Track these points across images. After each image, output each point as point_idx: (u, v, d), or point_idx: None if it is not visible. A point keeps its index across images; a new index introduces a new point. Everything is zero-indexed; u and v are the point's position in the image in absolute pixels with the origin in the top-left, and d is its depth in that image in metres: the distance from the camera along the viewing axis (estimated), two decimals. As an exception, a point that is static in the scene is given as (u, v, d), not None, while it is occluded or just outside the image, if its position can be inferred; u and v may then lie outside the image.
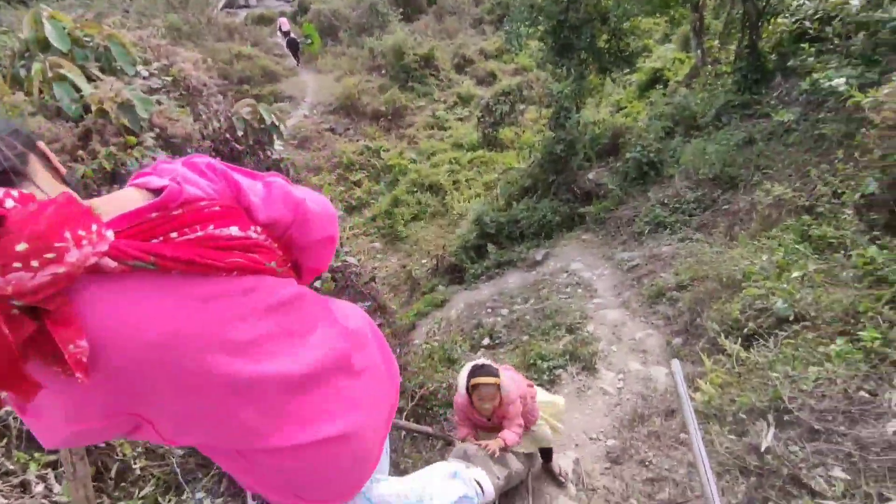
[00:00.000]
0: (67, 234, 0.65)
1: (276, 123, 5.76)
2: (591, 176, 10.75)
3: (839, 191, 4.88)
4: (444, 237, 13.33)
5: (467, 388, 2.80)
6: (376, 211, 14.90)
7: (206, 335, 0.84)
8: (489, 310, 8.34)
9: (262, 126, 5.59)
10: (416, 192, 15.06)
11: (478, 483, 1.80)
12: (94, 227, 0.70)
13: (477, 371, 2.80)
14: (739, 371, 3.76)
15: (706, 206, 7.85)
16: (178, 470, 2.41)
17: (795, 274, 3.48)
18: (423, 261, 12.63)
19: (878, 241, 3.32)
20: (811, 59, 6.77)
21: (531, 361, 5.39)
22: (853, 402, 2.50)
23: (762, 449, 2.58)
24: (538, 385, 5.31)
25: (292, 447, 0.99)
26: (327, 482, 1.11)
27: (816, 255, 3.89)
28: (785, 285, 3.34)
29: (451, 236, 13.01)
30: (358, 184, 16.38)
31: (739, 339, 4.25)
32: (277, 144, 5.99)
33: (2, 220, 0.61)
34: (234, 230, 0.88)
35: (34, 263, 0.62)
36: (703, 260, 6.12)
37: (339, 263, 3.74)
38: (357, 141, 18.11)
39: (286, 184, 1.04)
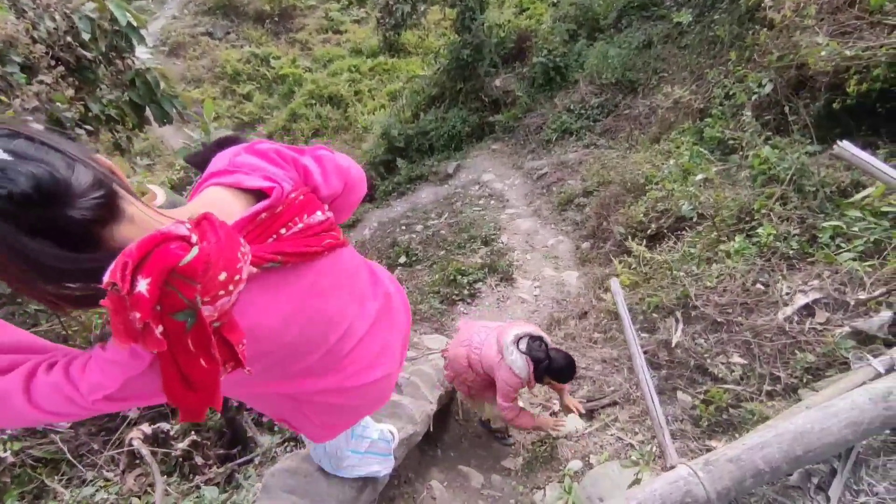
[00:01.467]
0: (239, 255, 0.76)
1: (134, 24, 4.77)
2: (497, 83, 10.45)
3: (731, 92, 5.09)
4: (350, 153, 12.59)
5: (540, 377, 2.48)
6: (272, 128, 13.64)
7: (314, 308, 0.98)
8: (403, 227, 8.18)
9: (117, 28, 4.60)
10: (315, 104, 13.90)
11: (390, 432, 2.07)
12: (244, 242, 0.80)
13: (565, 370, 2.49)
14: (646, 271, 3.99)
15: (609, 111, 8.00)
16: (64, 447, 2.09)
17: (699, 177, 3.64)
18: (330, 180, 11.98)
19: (769, 142, 3.53)
20: (708, -44, 6.76)
21: (451, 278, 5.40)
22: (750, 294, 2.73)
23: (673, 344, 2.78)
24: (459, 300, 5.40)
25: (352, 387, 1.18)
26: (363, 411, 1.40)
27: (717, 157, 4.08)
28: (691, 188, 3.48)
29: (358, 152, 12.35)
30: (248, 97, 14.76)
31: (644, 240, 4.50)
32: (141, 52, 5.01)
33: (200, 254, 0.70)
34: (318, 215, 0.97)
35: (231, 288, 0.74)
36: (608, 165, 6.31)
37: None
38: (241, 47, 16.04)
39: (332, 154, 1.11)
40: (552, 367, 2.43)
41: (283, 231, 0.89)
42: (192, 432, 2.10)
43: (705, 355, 2.65)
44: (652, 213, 4.75)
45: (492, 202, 7.74)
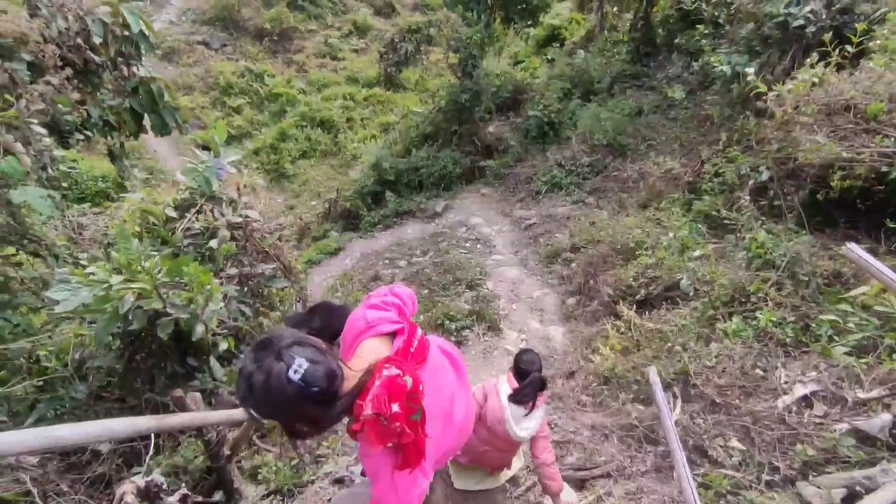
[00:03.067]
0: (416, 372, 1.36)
1: (146, 32, 4.71)
2: (491, 129, 10.71)
3: (721, 170, 5.35)
4: (336, 179, 12.57)
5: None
6: (259, 144, 13.50)
7: (437, 386, 1.50)
8: (387, 261, 8.09)
9: (127, 34, 4.52)
10: (306, 126, 13.88)
11: None
12: None
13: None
14: (636, 337, 4.04)
15: (598, 171, 8.26)
16: (34, 489, 1.90)
17: (696, 253, 3.76)
18: (313, 202, 11.85)
19: (764, 226, 3.69)
20: (703, 40, 7.21)
21: (439, 322, 5.33)
22: (749, 378, 2.78)
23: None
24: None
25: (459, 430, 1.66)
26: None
27: (711, 234, 4.24)
28: (689, 263, 3.58)
29: (344, 178, 12.30)
30: (237, 110, 14.62)
31: (634, 305, 4.57)
32: (146, 60, 4.92)
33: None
34: (419, 334, 1.47)
35: (421, 388, 1.28)
36: (597, 224, 6.45)
37: (239, 219, 3.19)
38: (237, 61, 15.98)
39: (404, 289, 1.67)
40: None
41: (411, 349, 1.40)
42: (182, 485, 1.94)
43: (704, 436, 2.66)
44: (642, 278, 4.85)
45: (478, 246, 7.78)
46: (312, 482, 2.52)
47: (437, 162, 10.02)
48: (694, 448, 2.67)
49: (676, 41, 10.10)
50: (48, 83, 3.24)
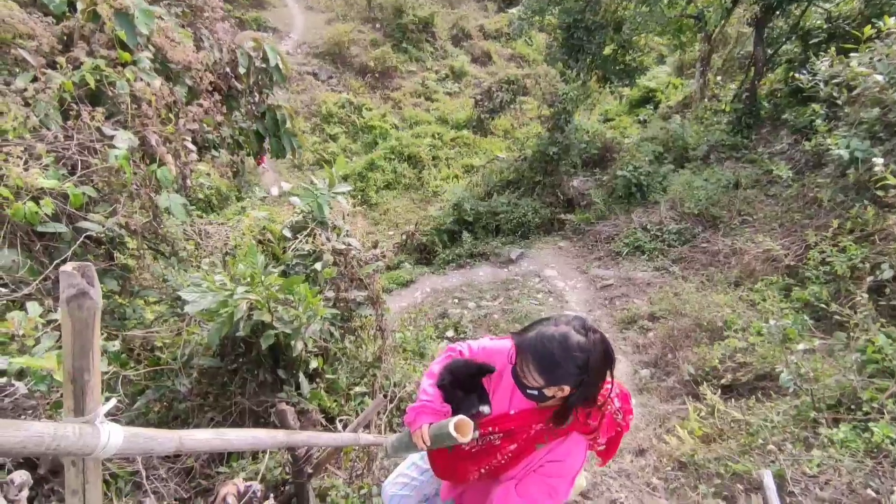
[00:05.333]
0: None
1: (280, 66, 5.21)
2: (575, 183, 10.71)
3: (828, 259, 5.00)
4: (416, 212, 12.97)
5: None
6: (350, 171, 14.26)
7: None
8: (456, 300, 8.17)
9: (265, 66, 5.03)
10: (394, 160, 14.52)
11: None
12: None
13: None
14: (720, 426, 3.78)
15: (686, 241, 7.97)
16: (143, 471, 2.06)
17: (801, 346, 3.51)
18: (391, 233, 12.26)
19: (882, 329, 3.39)
20: (817, 119, 6.89)
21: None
22: (857, 497, 2.51)
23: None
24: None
25: None
26: None
27: (816, 328, 3.95)
28: (792, 357, 3.34)
29: (423, 213, 12.67)
30: (334, 138, 15.61)
31: (718, 389, 4.30)
32: (276, 90, 5.44)
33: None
34: None
35: None
36: (682, 296, 6.18)
37: (343, 246, 3.38)
38: (339, 93, 17.18)
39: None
40: None
41: None
42: (271, 495, 2.04)
43: (800, 552, 2.42)
44: (729, 361, 4.58)
45: (550, 299, 7.67)
46: (378, 515, 2.55)
47: (516, 209, 10.11)
48: (786, 563, 2.43)
49: (784, 116, 9.72)
50: (200, 105, 3.67)
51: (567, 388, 1.31)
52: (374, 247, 5.17)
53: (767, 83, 10.88)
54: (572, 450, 1.41)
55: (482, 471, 1.53)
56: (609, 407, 1.38)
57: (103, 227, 2.61)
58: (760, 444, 3.12)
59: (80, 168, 2.72)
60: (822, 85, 7.36)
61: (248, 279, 2.50)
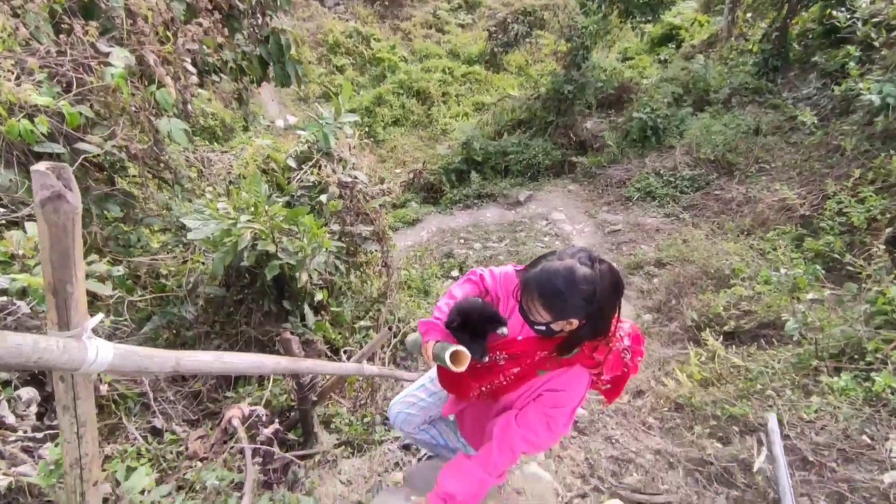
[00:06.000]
0: None
1: (285, -14, 4.89)
2: (588, 125, 10.36)
3: (845, 209, 4.87)
4: (424, 150, 12.70)
5: None
6: (356, 105, 13.83)
7: None
8: (462, 240, 8.14)
9: (267, -15, 4.73)
10: (403, 94, 14.05)
11: None
12: None
13: None
14: (720, 370, 3.82)
15: (699, 187, 7.79)
16: (150, 392, 2.09)
17: (810, 296, 3.46)
18: (398, 170, 12.06)
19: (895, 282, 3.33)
20: (850, 62, 6.50)
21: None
22: (851, 443, 2.55)
23: (754, 468, 2.62)
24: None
25: None
26: None
27: (826, 278, 3.89)
28: (799, 306, 3.31)
29: (431, 151, 12.41)
30: (341, 70, 15.04)
31: (721, 335, 4.32)
32: (280, 14, 5.14)
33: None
34: None
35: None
36: (690, 243, 6.11)
37: (349, 178, 3.29)
38: (347, 21, 16.36)
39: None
40: None
41: None
42: (276, 420, 2.09)
43: (787, 491, 2.49)
44: (733, 309, 4.57)
45: (557, 242, 7.62)
46: (381, 443, 2.62)
47: (527, 150, 9.86)
48: (774, 501, 2.51)
49: (814, 59, 9.20)
50: (199, 24, 3.46)
51: (575, 322, 1.28)
52: (381, 182, 5.07)
53: (800, 22, 10.20)
54: (572, 382, 1.40)
55: (484, 388, 1.55)
56: (617, 344, 1.34)
57: (102, 149, 2.52)
58: (759, 390, 3.15)
59: (75, 86, 2.60)
60: (859, 24, 6.91)
61: (252, 208, 2.44)
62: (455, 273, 7.02)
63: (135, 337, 2.78)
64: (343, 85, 3.58)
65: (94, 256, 2.30)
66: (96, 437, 0.88)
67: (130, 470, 1.97)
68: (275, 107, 13.92)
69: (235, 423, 1.79)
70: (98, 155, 2.55)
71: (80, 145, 2.45)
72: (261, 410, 1.93)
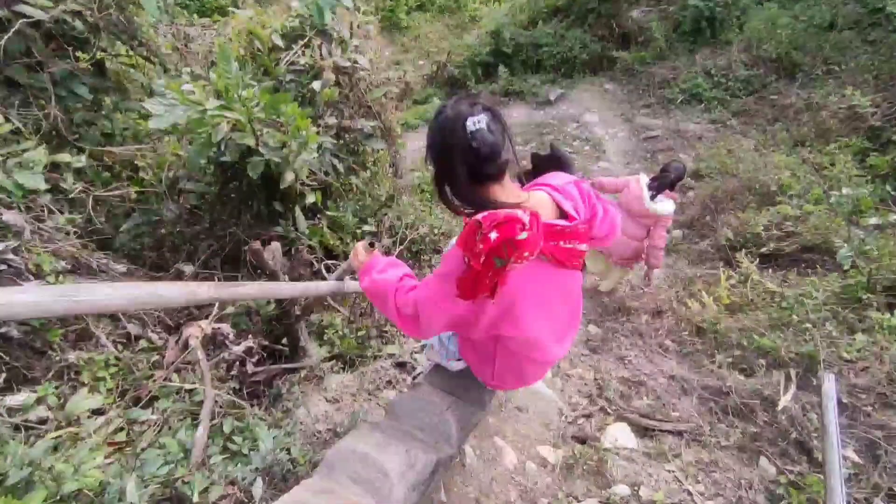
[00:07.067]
0: (539, 245, 1.12)
1: None
2: (635, 14, 9.15)
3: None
4: (450, 40, 11.61)
5: None
6: (377, -14, 12.52)
7: (550, 300, 1.37)
8: (484, 142, 7.60)
9: None
10: (428, -25, 12.60)
11: None
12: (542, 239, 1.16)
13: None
14: (751, 296, 3.52)
15: (753, 90, 6.93)
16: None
17: (872, 220, 3.02)
18: (421, 62, 11.14)
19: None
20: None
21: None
22: (895, 388, 2.29)
23: (778, 406, 2.41)
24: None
25: (540, 361, 1.58)
26: (528, 381, 1.72)
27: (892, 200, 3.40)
28: (859, 231, 2.89)
29: (458, 42, 11.33)
30: (360, -58, 13.43)
31: (756, 258, 3.96)
32: None
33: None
34: (583, 246, 1.34)
35: (524, 261, 1.09)
36: (735, 154, 5.51)
37: (347, 63, 2.84)
38: None
39: (615, 213, 1.48)
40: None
41: (562, 243, 1.25)
42: (249, 336, 1.91)
43: (814, 434, 2.29)
44: (775, 230, 4.16)
45: (586, 148, 7.05)
46: (375, 358, 2.48)
47: (562, 42, 8.86)
48: (796, 442, 2.32)
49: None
50: None
51: (431, 168, 1.26)
52: (399, 73, 4.52)
53: None
54: (450, 250, 1.26)
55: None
56: (477, 217, 1.06)
57: (48, 14, 2.13)
58: (794, 321, 2.86)
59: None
60: None
61: (225, 93, 2.07)
62: (474, 177, 6.61)
63: (119, 238, 2.58)
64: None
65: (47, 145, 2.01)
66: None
67: (98, 380, 1.83)
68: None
69: (192, 342, 1.61)
70: (47, 22, 2.17)
71: (22, 8, 2.07)
72: (227, 329, 1.74)
